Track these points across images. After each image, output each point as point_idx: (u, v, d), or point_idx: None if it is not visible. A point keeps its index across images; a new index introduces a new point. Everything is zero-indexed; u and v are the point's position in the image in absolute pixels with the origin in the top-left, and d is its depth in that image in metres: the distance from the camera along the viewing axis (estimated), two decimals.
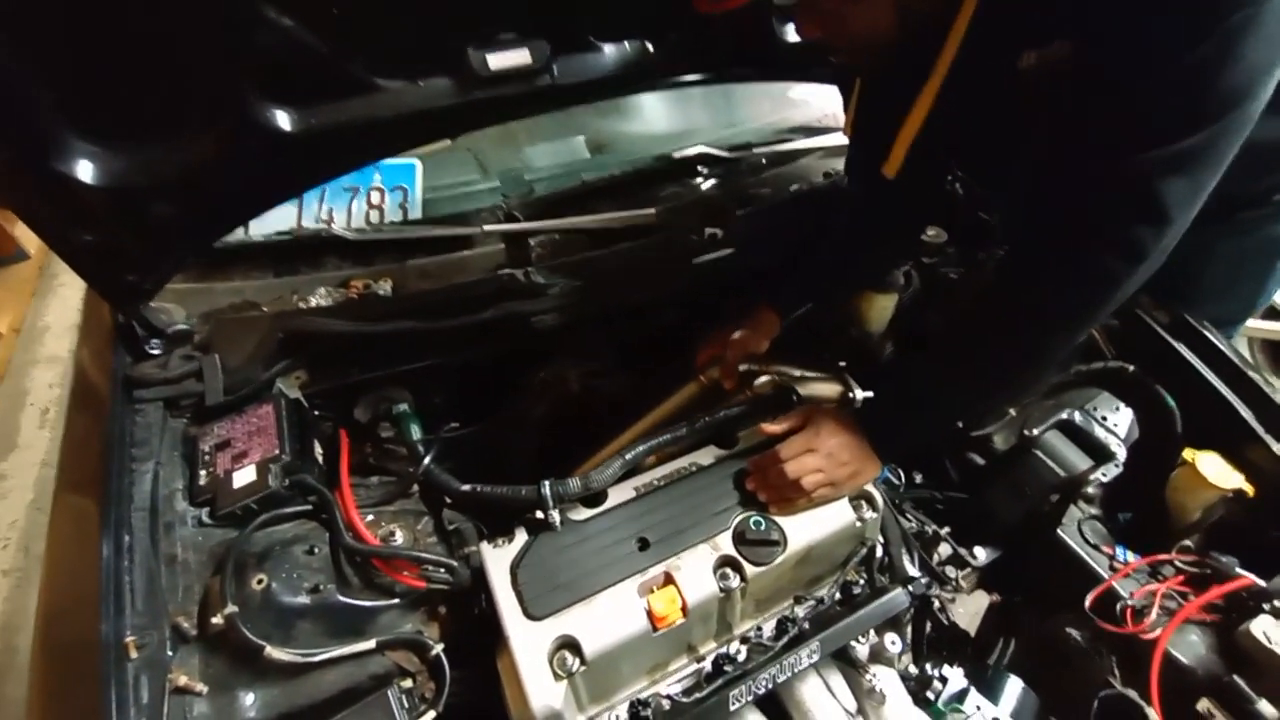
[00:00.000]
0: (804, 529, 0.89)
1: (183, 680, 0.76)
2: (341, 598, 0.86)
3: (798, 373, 1.13)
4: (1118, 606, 1.06)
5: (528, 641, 0.78)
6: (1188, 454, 1.13)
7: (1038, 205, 0.84)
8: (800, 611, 0.89)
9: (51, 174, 0.80)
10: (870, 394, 1.14)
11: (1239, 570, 1.01)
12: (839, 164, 1.50)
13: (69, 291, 3.07)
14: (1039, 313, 0.84)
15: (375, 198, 1.34)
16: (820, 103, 1.78)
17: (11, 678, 1.84)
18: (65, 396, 2.53)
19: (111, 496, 0.86)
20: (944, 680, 0.92)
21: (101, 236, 0.89)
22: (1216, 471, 1.06)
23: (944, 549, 1.23)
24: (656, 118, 1.68)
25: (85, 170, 0.82)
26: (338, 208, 1.33)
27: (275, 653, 0.77)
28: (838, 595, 0.91)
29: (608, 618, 0.80)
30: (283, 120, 0.89)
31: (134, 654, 0.75)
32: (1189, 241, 0.77)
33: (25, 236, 3.12)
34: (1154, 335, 1.22)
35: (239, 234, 1.24)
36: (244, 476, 0.93)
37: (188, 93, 0.82)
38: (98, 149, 0.82)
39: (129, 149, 0.84)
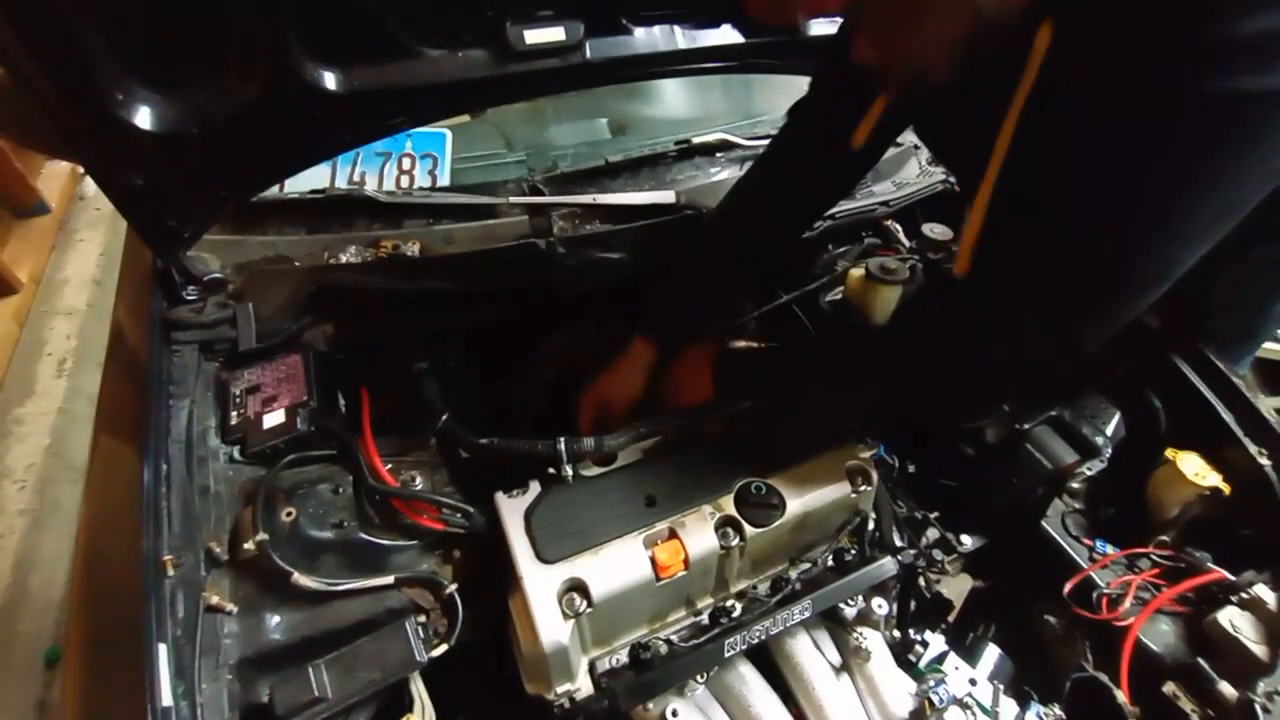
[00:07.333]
0: (802, 496, 0.94)
1: (215, 599, 0.81)
2: (363, 535, 0.91)
3: None
4: (1094, 595, 1.12)
5: (539, 582, 0.83)
6: (1169, 453, 1.18)
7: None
8: (794, 573, 0.94)
9: (114, 121, 0.84)
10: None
11: (1210, 565, 1.06)
12: None
13: (87, 246, 3.13)
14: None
15: (406, 164, 1.38)
16: None
17: (25, 614, 1.90)
18: (82, 347, 2.59)
19: (150, 428, 0.91)
20: (925, 645, 0.97)
21: (149, 181, 0.93)
22: (1196, 470, 1.10)
23: (932, 533, 1.28)
24: (677, 104, 1.72)
25: (143, 116, 0.86)
26: (370, 171, 1.37)
27: (301, 579, 0.83)
28: (830, 560, 0.96)
29: (615, 565, 0.85)
30: (329, 80, 0.94)
31: (171, 571, 0.80)
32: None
33: (46, 189, 3.16)
34: (1146, 339, 1.27)
35: (273, 190, 1.28)
36: (273, 419, 0.98)
37: (234, 42, 0.86)
38: (154, 95, 0.87)
39: (181, 95, 0.88)
